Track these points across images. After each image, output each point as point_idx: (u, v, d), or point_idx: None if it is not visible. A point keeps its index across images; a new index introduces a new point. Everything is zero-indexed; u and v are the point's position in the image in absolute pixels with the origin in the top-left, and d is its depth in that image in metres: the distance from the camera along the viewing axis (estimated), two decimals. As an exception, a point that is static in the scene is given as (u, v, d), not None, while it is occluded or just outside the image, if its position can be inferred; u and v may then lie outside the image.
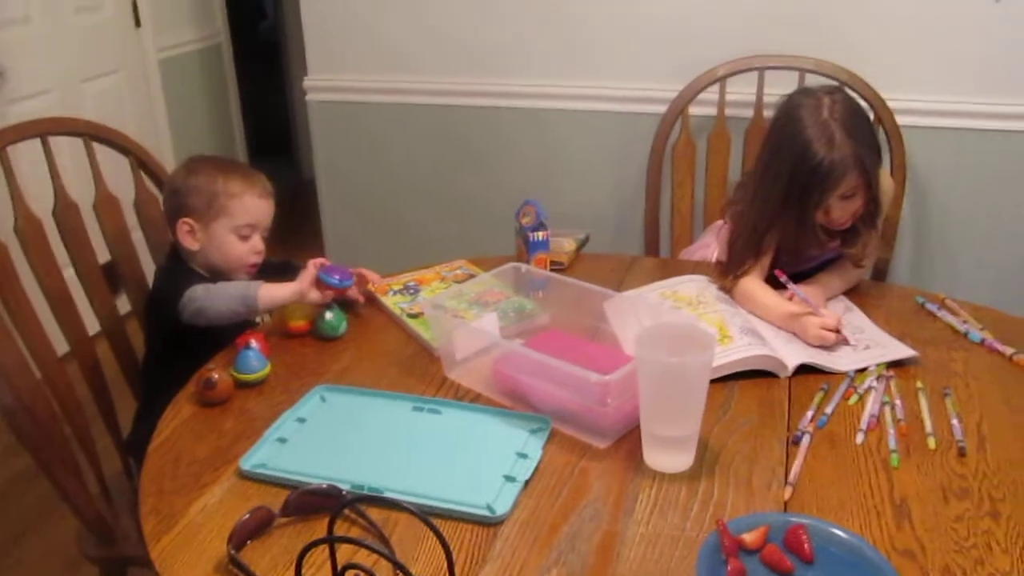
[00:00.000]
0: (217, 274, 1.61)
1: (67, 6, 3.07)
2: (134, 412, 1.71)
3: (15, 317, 1.55)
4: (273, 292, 1.50)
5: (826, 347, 1.41)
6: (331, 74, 2.58)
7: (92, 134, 1.73)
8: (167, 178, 1.69)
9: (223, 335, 1.49)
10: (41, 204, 1.65)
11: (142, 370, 1.73)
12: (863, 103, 1.94)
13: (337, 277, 1.51)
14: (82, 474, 1.54)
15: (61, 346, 1.64)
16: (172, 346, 1.59)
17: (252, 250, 1.61)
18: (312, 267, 1.51)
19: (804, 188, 1.47)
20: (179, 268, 1.62)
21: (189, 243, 1.60)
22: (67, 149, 1.77)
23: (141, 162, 1.78)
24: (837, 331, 1.42)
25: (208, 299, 1.49)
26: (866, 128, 1.51)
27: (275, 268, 1.69)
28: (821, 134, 1.45)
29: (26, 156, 1.79)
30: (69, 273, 1.67)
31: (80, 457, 1.58)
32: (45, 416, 1.51)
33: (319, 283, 1.51)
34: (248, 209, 1.59)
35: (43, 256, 1.62)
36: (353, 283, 1.55)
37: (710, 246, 1.85)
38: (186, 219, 1.58)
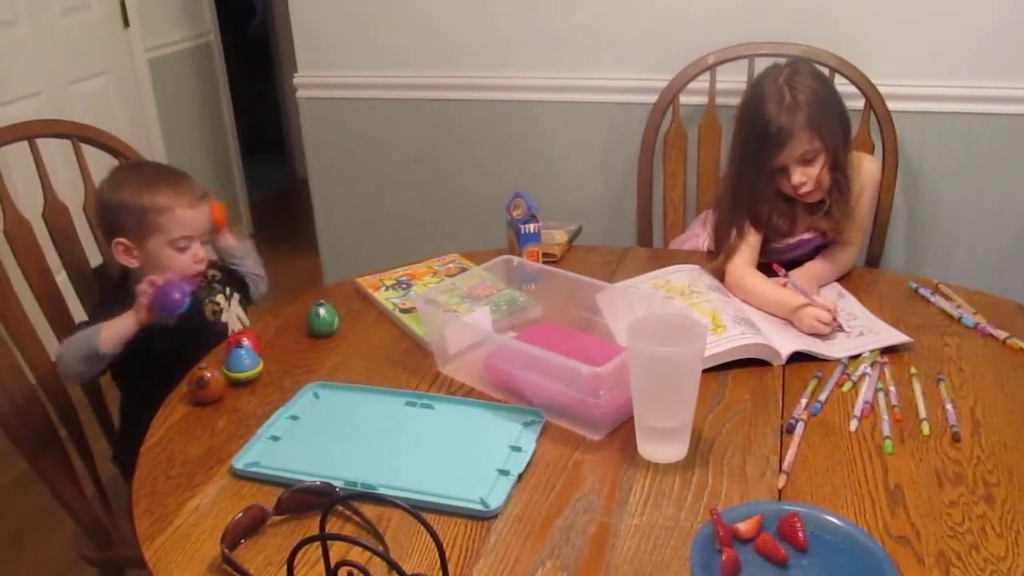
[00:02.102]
0: None
1: (54, 8, 3.05)
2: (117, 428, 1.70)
3: (7, 321, 1.55)
4: (114, 331, 1.45)
5: (820, 335, 1.41)
6: (321, 71, 2.57)
7: (80, 135, 1.73)
8: (101, 184, 1.60)
9: (179, 350, 1.46)
10: (31, 207, 1.65)
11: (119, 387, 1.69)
12: (854, 89, 1.95)
13: (176, 295, 1.42)
14: (78, 477, 1.55)
15: (54, 349, 1.63)
16: (128, 367, 1.55)
17: (193, 259, 1.56)
18: (143, 296, 1.44)
19: (757, 148, 1.54)
20: (105, 298, 1.58)
21: (127, 261, 1.55)
22: (56, 151, 1.76)
23: (131, 163, 1.77)
24: (832, 320, 1.42)
25: (62, 362, 1.48)
26: (825, 94, 1.55)
27: (228, 274, 1.72)
28: (774, 95, 1.52)
29: (15, 159, 1.78)
30: (61, 277, 1.66)
31: (76, 460, 1.58)
32: (40, 420, 1.51)
33: (152, 310, 1.44)
34: (181, 222, 1.53)
35: (33, 259, 1.61)
36: (187, 305, 1.44)
37: (699, 236, 1.85)
38: (120, 239, 1.53)
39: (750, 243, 1.59)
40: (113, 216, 1.54)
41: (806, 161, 1.53)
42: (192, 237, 1.56)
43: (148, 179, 1.56)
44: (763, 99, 1.53)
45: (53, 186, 1.67)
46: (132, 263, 1.56)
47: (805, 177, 1.53)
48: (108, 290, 1.64)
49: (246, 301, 1.75)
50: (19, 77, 2.90)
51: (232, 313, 1.69)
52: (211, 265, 1.67)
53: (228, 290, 1.70)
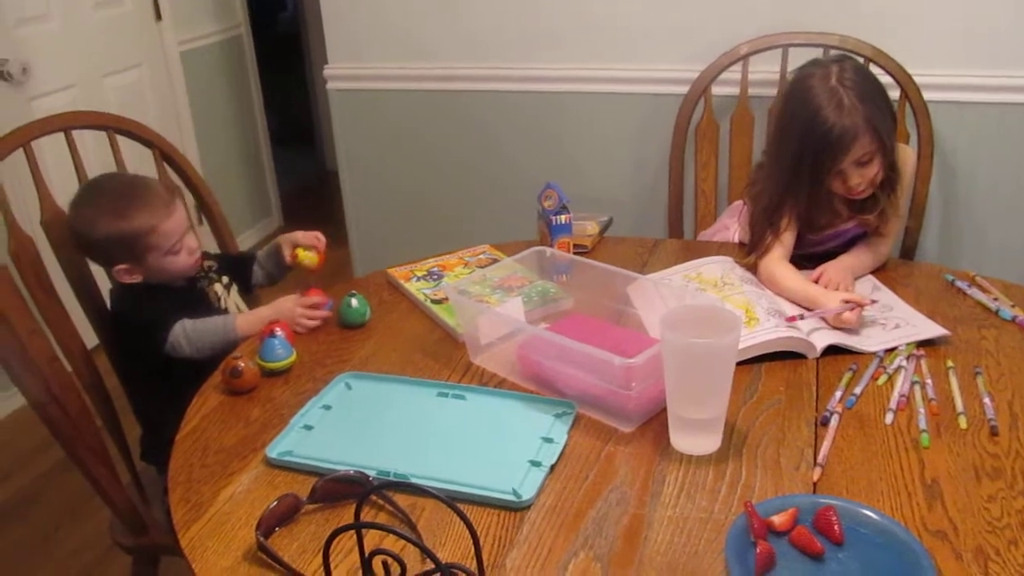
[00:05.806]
0: (171, 280, 1.62)
1: (87, 1, 3.08)
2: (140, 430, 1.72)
3: (43, 310, 1.57)
4: (248, 321, 1.55)
5: (853, 329, 1.39)
6: (351, 63, 2.58)
7: (116, 127, 1.74)
8: (71, 222, 1.59)
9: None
10: (67, 197, 1.66)
11: (130, 390, 1.70)
12: (889, 79, 1.92)
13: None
14: (113, 464, 1.56)
15: (89, 337, 1.65)
16: (163, 364, 1.56)
17: (188, 253, 1.60)
18: (309, 317, 1.51)
19: (816, 155, 1.49)
20: (139, 290, 1.60)
21: (133, 279, 1.58)
22: (91, 143, 1.78)
23: (165, 154, 1.79)
24: (859, 305, 1.39)
25: (191, 341, 1.52)
26: (877, 92, 1.51)
27: (235, 261, 1.76)
28: (830, 100, 1.46)
29: (51, 150, 1.80)
30: (96, 266, 1.68)
31: (111, 447, 1.59)
32: (76, 407, 1.52)
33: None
34: (167, 233, 1.56)
35: (70, 249, 1.63)
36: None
37: (729, 227, 1.84)
38: (119, 267, 1.57)
39: (784, 241, 1.57)
40: (104, 251, 1.57)
41: (863, 163, 1.49)
42: (181, 237, 1.59)
43: (116, 206, 1.55)
44: (818, 103, 1.46)
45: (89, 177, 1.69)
46: (137, 278, 1.59)
47: (861, 179, 1.50)
48: (129, 293, 1.61)
49: (245, 291, 1.76)
50: (53, 70, 2.93)
51: (232, 301, 1.71)
52: (205, 256, 1.69)
53: (225, 279, 1.72)
